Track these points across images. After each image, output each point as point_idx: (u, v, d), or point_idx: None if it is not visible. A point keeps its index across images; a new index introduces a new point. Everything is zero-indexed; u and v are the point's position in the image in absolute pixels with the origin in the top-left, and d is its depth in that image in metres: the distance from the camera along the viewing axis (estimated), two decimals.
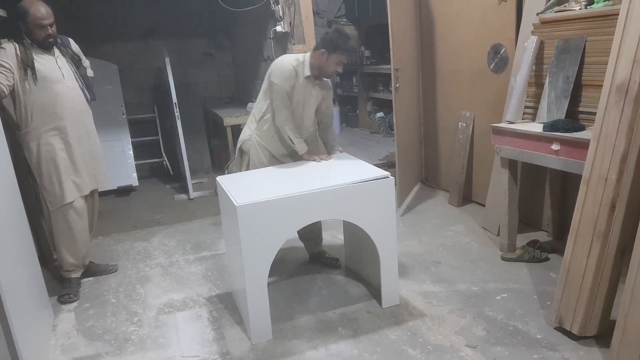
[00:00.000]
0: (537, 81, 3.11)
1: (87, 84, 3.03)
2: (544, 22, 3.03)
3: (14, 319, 1.96)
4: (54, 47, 2.87)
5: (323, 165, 2.85)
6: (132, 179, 5.51)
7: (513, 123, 3.06)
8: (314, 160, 2.87)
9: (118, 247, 3.79)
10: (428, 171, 4.78)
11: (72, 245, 2.98)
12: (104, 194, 5.21)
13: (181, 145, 4.90)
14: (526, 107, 3.21)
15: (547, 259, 3.07)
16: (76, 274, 3.07)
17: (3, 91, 2.63)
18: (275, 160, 2.93)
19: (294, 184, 2.52)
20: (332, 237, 3.64)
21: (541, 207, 3.53)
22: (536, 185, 3.51)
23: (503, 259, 3.14)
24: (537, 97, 3.09)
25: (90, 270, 3.25)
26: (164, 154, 5.92)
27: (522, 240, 3.25)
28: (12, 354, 1.99)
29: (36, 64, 2.75)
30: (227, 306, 2.78)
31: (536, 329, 2.38)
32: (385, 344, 2.35)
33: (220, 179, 2.70)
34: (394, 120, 3.87)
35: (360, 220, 2.53)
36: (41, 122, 2.79)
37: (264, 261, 2.36)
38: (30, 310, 2.36)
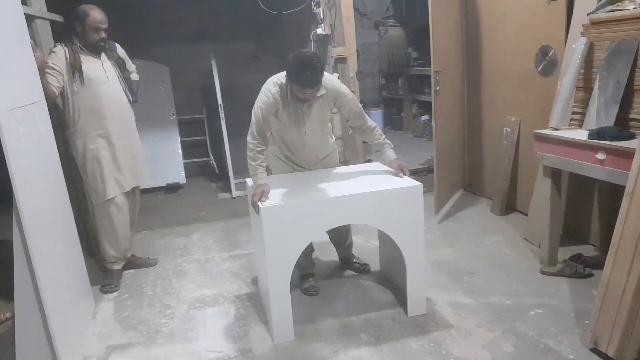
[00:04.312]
0: (585, 85, 2.95)
1: (130, 87, 3.16)
2: (595, 23, 2.86)
3: (50, 306, 2.08)
4: (102, 51, 3.02)
5: (353, 173, 2.83)
6: (180, 177, 5.71)
7: (557, 130, 2.92)
8: (263, 200, 2.37)
9: (160, 241, 3.94)
10: (471, 177, 4.64)
11: (113, 238, 3.12)
12: (153, 190, 5.45)
13: (225, 145, 5.03)
14: (573, 112, 3.05)
15: (590, 275, 2.89)
16: (117, 266, 3.21)
17: (54, 92, 2.80)
18: (292, 166, 2.88)
19: (319, 189, 2.52)
20: (365, 242, 3.60)
21: (589, 219, 3.33)
22: (584, 195, 3.32)
23: (542, 272, 3.00)
24: (585, 103, 2.93)
25: (132, 263, 3.40)
26: (210, 154, 6.09)
27: (565, 253, 3.08)
28: (48, 340, 2.12)
29: (83, 67, 2.90)
30: (254, 305, 2.82)
31: (569, 349, 2.26)
32: (407, 354, 2.30)
33: (250, 181, 2.75)
34: (433, 125, 3.79)
35: (386, 226, 2.50)
36: (87, 123, 2.95)
37: (286, 263, 2.38)
38: (71, 298, 2.50)
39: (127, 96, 3.13)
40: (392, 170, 2.75)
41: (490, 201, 4.18)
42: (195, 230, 4.15)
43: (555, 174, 2.95)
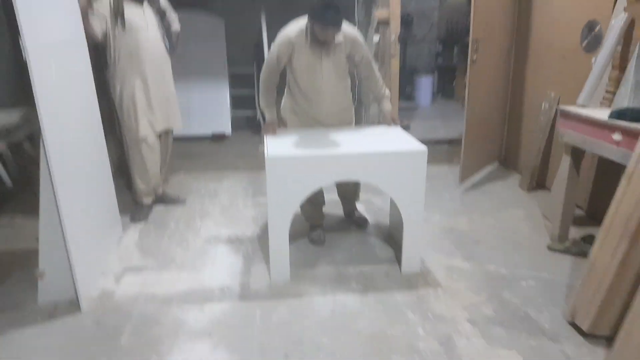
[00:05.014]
0: (621, 64, 2.84)
1: (169, 36, 3.37)
2: None
3: (70, 230, 2.31)
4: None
5: (365, 133, 2.92)
6: (227, 128, 5.98)
7: (584, 107, 2.83)
8: (270, 134, 2.82)
9: (193, 184, 4.22)
10: (508, 151, 4.55)
11: (144, 174, 3.41)
12: (200, 138, 5.77)
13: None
14: (606, 91, 2.95)
15: None
16: (147, 200, 3.51)
17: (97, 35, 3.06)
18: (307, 122, 2.99)
19: (325, 145, 2.62)
20: (377, 200, 3.71)
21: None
22: (610, 178, 3.20)
23: (549, 248, 2.98)
24: (619, 82, 2.81)
25: (163, 199, 3.70)
26: (258, 108, 6.29)
27: (581, 233, 3.03)
28: (68, 257, 2.39)
29: (126, 13, 3.12)
30: (262, 247, 3.02)
31: (548, 320, 2.28)
32: (389, 304, 2.42)
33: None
34: (466, 94, 3.75)
35: (387, 187, 2.59)
36: (125, 65, 3.19)
37: (286, 210, 2.53)
38: (97, 224, 2.79)
39: (165, 44, 3.34)
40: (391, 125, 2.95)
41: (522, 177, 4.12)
42: (227, 177, 4.40)
43: (575, 152, 2.88)
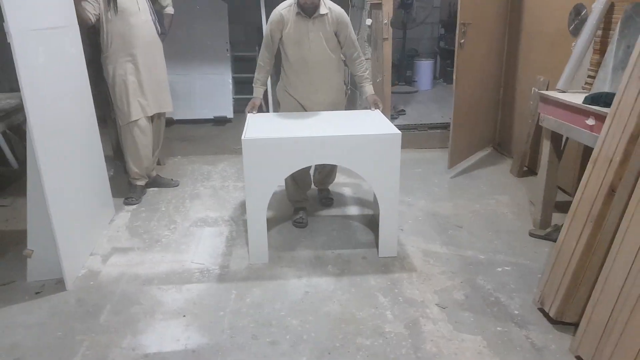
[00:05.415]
0: (602, 48, 2.81)
1: (160, 20, 3.41)
2: None
3: (56, 211, 2.38)
4: None
5: (348, 117, 2.96)
6: (228, 111, 6.03)
7: (564, 92, 2.82)
8: (252, 112, 3.08)
9: (188, 167, 4.30)
10: (502, 137, 4.54)
11: (136, 157, 3.49)
12: (201, 121, 5.83)
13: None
14: (588, 76, 2.93)
15: None
16: (140, 182, 3.60)
17: (89, 19, 3.12)
18: (298, 103, 3.08)
19: (304, 128, 2.67)
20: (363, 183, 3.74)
21: None
22: None
23: (530, 234, 3.00)
24: (599, 66, 2.79)
25: (157, 182, 3.79)
26: None
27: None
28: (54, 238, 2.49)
29: None
30: (247, 229, 3.08)
31: (518, 305, 2.32)
32: (362, 287, 2.48)
33: (250, 116, 2.97)
34: (454, 78, 3.73)
35: (362, 170, 2.63)
36: (117, 49, 3.25)
37: (263, 193, 2.59)
38: (87, 206, 2.87)
39: (156, 28, 3.39)
40: (383, 116, 2.87)
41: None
42: (222, 161, 4.47)
43: (554, 137, 2.88)
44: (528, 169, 3.97)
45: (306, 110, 3.07)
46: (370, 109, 3.05)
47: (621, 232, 1.84)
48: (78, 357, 2.04)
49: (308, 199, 3.24)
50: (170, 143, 4.97)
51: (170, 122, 5.76)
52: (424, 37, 6.88)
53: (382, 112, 3.00)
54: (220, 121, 5.96)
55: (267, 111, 6.03)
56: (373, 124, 2.77)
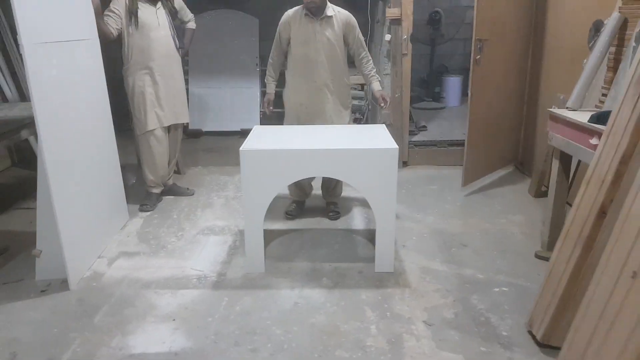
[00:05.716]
0: (615, 66, 2.71)
1: (179, 35, 3.57)
2: None
3: (62, 215, 2.51)
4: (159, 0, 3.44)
5: (349, 131, 3.00)
6: (255, 124, 6.13)
7: (574, 110, 2.74)
8: (268, 108, 3.42)
9: (207, 177, 4.42)
10: (524, 155, 4.42)
11: (152, 166, 3.63)
12: (229, 133, 5.97)
13: None
14: (602, 94, 2.83)
15: None
16: (156, 190, 3.73)
17: (112, 33, 3.31)
18: (301, 106, 3.27)
19: (304, 140, 2.72)
20: None
21: None
22: None
23: (536, 256, 2.90)
24: (612, 84, 2.70)
25: (173, 191, 3.91)
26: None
27: None
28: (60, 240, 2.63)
29: (139, 12, 3.34)
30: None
31: (507, 327, 2.25)
32: (352, 301, 2.47)
33: (256, 128, 3.04)
34: (469, 95, 3.68)
35: (358, 184, 2.63)
36: (137, 62, 3.42)
37: (260, 204, 2.64)
38: (98, 211, 3.00)
39: (175, 42, 3.54)
40: (385, 130, 2.94)
41: None
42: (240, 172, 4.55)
43: (563, 157, 2.79)
44: (547, 189, 3.84)
45: (310, 113, 3.22)
46: (379, 104, 3.30)
47: (605, 256, 1.76)
48: (68, 353, 2.13)
49: (307, 194, 3.45)
50: (196, 153, 5.13)
51: (199, 134, 5.96)
52: (456, 53, 6.81)
53: (397, 124, 3.06)
54: (247, 133, 6.05)
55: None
56: (374, 138, 2.78)
